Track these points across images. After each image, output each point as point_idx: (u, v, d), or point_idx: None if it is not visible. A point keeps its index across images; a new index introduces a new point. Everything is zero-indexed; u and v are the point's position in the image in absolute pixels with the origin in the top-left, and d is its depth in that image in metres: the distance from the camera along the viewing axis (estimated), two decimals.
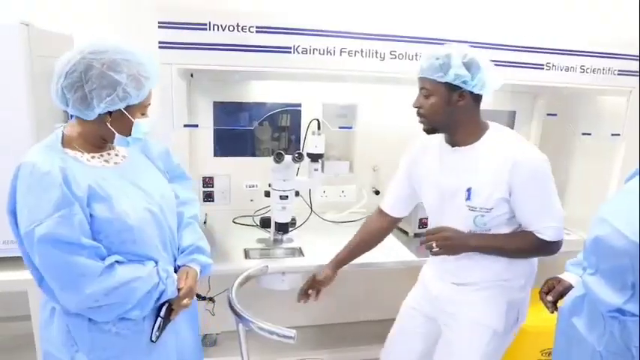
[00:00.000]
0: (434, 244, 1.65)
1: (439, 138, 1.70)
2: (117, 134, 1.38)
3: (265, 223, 2.51)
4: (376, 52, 2.07)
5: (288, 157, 2.17)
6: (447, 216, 1.70)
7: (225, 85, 2.66)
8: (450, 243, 1.65)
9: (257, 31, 1.94)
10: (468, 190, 1.59)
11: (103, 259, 1.33)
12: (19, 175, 1.28)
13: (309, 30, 1.99)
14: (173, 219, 1.56)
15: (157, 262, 1.45)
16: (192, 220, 1.64)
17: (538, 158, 1.56)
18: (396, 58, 2.12)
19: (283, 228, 2.35)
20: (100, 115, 1.32)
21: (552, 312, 1.59)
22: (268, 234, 2.45)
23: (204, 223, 2.63)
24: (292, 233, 2.47)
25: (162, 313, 1.45)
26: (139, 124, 1.39)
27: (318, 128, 2.30)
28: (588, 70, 2.39)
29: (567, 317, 1.50)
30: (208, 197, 2.79)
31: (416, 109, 1.64)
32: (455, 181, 1.63)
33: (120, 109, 1.33)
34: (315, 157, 2.32)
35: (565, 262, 1.67)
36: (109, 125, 1.35)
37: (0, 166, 1.35)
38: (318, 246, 2.15)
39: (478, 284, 1.72)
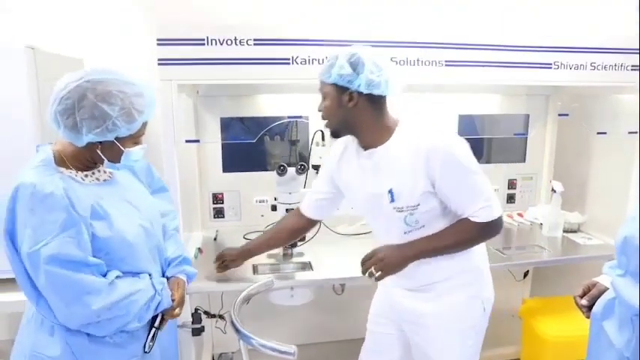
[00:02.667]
0: (373, 270, 1.60)
1: (355, 141, 1.66)
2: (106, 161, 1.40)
3: None
4: None
5: (291, 170, 2.15)
6: (379, 220, 1.67)
7: (231, 101, 2.67)
8: (387, 261, 1.59)
9: (255, 44, 1.94)
10: (390, 191, 1.55)
11: (104, 275, 1.36)
12: (19, 196, 1.26)
13: (306, 40, 1.99)
14: (160, 231, 1.60)
15: (150, 275, 1.49)
16: (174, 231, 1.70)
17: (449, 143, 1.49)
18: (397, 64, 2.09)
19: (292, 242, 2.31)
20: (90, 142, 1.33)
21: (587, 317, 1.51)
22: (278, 249, 2.42)
23: (215, 239, 2.61)
24: (302, 247, 2.43)
25: (156, 324, 1.49)
26: (130, 153, 1.41)
27: (322, 139, 2.28)
28: (599, 67, 2.31)
29: (599, 321, 1.43)
30: (219, 214, 2.78)
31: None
32: (375, 184, 1.59)
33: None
34: (319, 169, 2.29)
35: (599, 267, 1.56)
36: (99, 152, 1.37)
37: (4, 190, 1.33)
38: (329, 259, 2.11)
39: (434, 288, 1.67)
